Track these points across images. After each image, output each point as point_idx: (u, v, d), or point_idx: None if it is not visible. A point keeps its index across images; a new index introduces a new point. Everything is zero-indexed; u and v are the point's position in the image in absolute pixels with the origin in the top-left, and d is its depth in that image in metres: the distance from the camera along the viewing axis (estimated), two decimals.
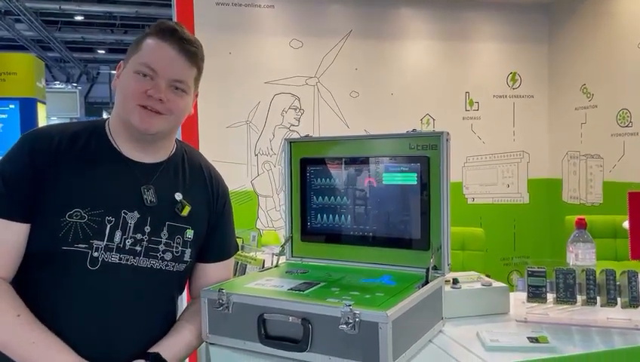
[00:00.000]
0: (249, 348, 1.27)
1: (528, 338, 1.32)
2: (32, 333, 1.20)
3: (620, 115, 4.08)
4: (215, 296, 1.31)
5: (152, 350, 1.31)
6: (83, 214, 1.25)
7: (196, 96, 1.44)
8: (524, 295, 1.54)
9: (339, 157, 1.60)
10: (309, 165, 1.64)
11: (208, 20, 3.92)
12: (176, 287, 1.45)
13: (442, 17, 4.57)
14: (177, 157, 1.45)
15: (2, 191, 1.24)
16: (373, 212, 1.55)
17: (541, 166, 4.81)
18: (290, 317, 1.21)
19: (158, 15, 9.82)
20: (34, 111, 8.26)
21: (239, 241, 2.34)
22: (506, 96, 4.74)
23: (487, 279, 1.64)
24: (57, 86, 15.72)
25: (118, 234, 1.28)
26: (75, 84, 16.46)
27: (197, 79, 1.41)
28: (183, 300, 1.54)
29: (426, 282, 1.35)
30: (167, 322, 1.41)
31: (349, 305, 1.14)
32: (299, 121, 4.19)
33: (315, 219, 1.63)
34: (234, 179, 4.03)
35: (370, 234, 1.55)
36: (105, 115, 11.98)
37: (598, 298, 1.48)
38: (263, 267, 1.77)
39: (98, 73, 17.57)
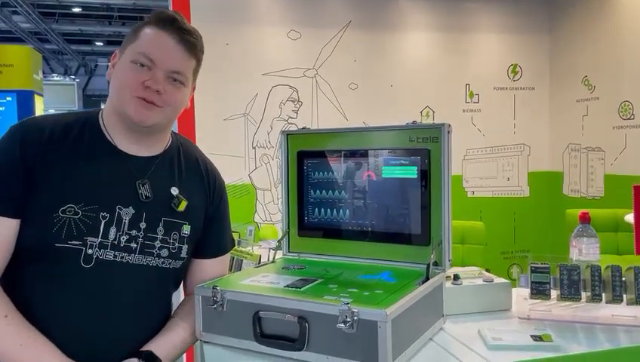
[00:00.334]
0: (244, 347, 1.24)
1: (532, 336, 1.29)
2: (19, 335, 1.16)
3: (622, 107, 4.04)
4: (209, 293, 1.27)
5: (145, 348, 1.27)
6: (77, 210, 1.21)
7: (193, 89, 1.39)
8: (526, 291, 1.50)
9: (337, 150, 1.55)
10: (306, 158, 1.60)
11: (205, 10, 3.88)
12: (172, 284, 1.41)
13: (442, 8, 4.52)
14: (173, 150, 1.40)
15: None
16: (372, 206, 1.51)
17: (542, 159, 4.78)
18: (286, 315, 1.17)
19: (155, 6, 9.76)
20: (31, 104, 8.21)
21: (236, 236, 2.31)
22: (506, 88, 4.71)
23: (488, 275, 1.61)
24: (55, 78, 15.65)
25: (112, 231, 1.24)
26: (73, 77, 16.40)
27: (196, 71, 1.36)
28: (179, 296, 1.50)
29: (427, 278, 1.31)
30: (162, 319, 1.37)
31: (347, 303, 1.11)
32: (297, 113, 4.15)
33: (312, 213, 1.59)
34: (231, 173, 4.01)
35: (369, 229, 1.51)
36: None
37: (603, 294, 1.44)
38: (260, 262, 1.73)
39: (96, 65, 17.50)
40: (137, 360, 1.24)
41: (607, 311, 1.43)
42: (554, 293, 1.48)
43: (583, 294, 1.45)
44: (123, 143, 1.31)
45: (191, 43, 1.30)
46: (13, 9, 10.76)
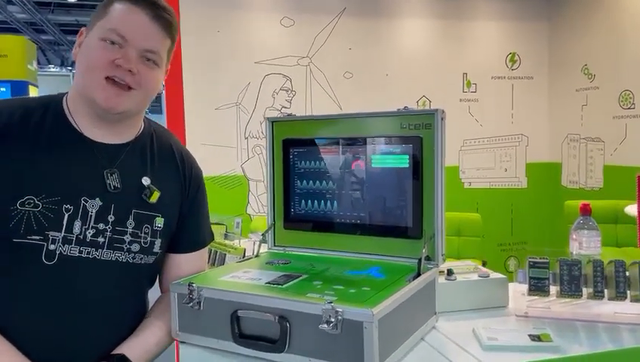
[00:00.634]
0: (222, 348, 1.16)
1: (529, 335, 1.21)
2: None
3: (622, 97, 3.95)
4: (185, 290, 1.18)
5: (117, 351, 1.19)
6: (37, 202, 1.11)
7: (167, 72, 1.29)
8: (524, 287, 1.42)
9: (325, 138, 1.47)
10: (292, 147, 1.51)
11: None
12: (146, 281, 1.33)
13: None
14: (145, 137, 1.31)
15: None
16: (361, 197, 1.42)
17: (540, 149, 4.70)
18: (266, 315, 1.09)
19: None
20: (25, 94, 8.11)
21: (222, 229, 2.23)
22: (504, 78, 4.62)
23: (484, 270, 1.52)
24: (52, 69, 15.49)
25: (77, 225, 1.15)
26: (69, 68, 16.23)
27: (170, 52, 1.27)
28: (155, 294, 1.42)
29: (418, 274, 1.23)
30: (136, 319, 1.29)
31: (331, 302, 1.03)
32: (290, 103, 4.07)
33: (298, 205, 1.50)
34: (223, 163, 3.93)
35: (358, 221, 1.43)
36: None
37: (605, 291, 1.36)
38: (244, 257, 1.64)
39: None
40: None
41: (609, 309, 1.35)
42: (553, 289, 1.39)
43: (584, 290, 1.37)
44: (89, 130, 1.21)
45: (166, 20, 1.20)
46: None
